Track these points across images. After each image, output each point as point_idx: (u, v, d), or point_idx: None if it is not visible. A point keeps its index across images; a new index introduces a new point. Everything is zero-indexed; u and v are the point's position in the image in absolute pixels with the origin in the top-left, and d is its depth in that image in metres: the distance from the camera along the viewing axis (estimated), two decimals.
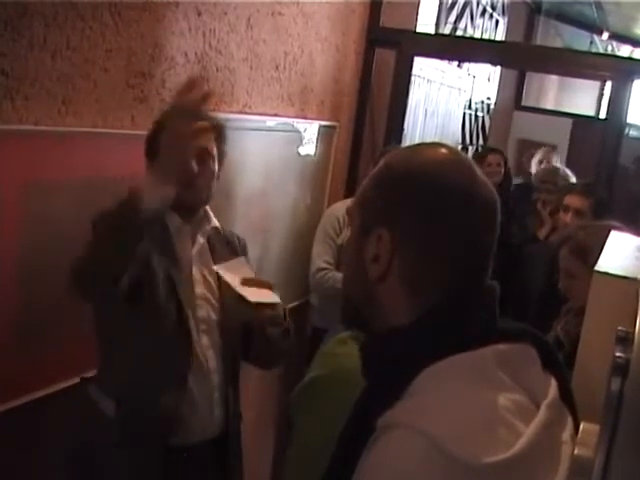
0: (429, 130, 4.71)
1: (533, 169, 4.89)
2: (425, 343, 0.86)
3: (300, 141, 3.08)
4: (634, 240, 1.54)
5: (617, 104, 3.45)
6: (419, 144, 1.02)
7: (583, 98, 8.54)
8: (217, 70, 2.41)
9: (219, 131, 1.88)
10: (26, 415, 1.84)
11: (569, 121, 6.58)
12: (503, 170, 4.30)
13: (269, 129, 2.81)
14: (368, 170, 0.98)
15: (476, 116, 5.92)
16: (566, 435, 0.86)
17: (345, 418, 0.91)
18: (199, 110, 1.50)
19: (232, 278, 1.80)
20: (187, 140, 1.49)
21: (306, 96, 3.08)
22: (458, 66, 5.29)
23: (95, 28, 1.86)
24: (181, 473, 1.85)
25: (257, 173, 2.79)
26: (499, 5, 6.01)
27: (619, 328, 0.82)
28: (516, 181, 4.53)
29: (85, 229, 1.80)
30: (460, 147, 5.44)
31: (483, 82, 6.03)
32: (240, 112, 2.59)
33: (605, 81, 7.02)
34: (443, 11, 4.81)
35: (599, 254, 1.34)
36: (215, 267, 1.81)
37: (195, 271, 1.87)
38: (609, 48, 7.92)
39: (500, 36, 6.15)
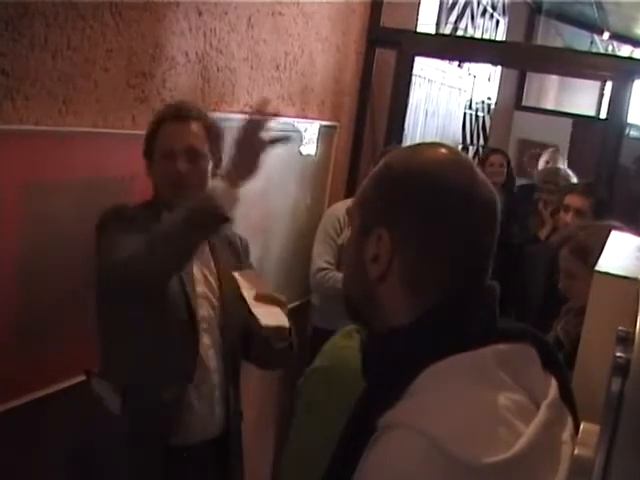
0: (430, 130, 4.70)
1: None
2: (425, 343, 0.86)
3: (300, 141, 3.08)
4: (634, 240, 1.54)
5: (617, 104, 3.45)
6: (419, 144, 1.02)
7: (583, 98, 8.54)
8: (218, 70, 2.41)
9: (212, 130, 1.88)
10: (26, 415, 1.84)
11: (569, 121, 6.58)
12: (506, 171, 4.29)
13: (269, 129, 2.80)
14: (369, 170, 0.98)
15: (477, 116, 5.92)
16: (566, 435, 0.86)
17: (345, 416, 0.91)
18: (267, 126, 1.67)
19: (248, 292, 1.78)
20: (258, 153, 1.66)
21: (307, 96, 3.09)
22: (459, 66, 5.29)
23: (96, 28, 1.86)
24: (181, 473, 1.85)
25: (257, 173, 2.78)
26: (499, 5, 6.01)
27: (619, 328, 0.82)
28: (520, 182, 4.52)
29: (85, 229, 1.81)
30: (461, 147, 5.44)
31: (484, 82, 6.03)
32: (240, 112, 2.58)
33: (605, 81, 7.01)
34: (443, 11, 4.81)
35: (599, 254, 1.34)
36: (235, 273, 1.80)
37: (196, 270, 1.87)
38: (609, 48, 7.92)
39: (501, 36, 6.15)
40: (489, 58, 4.14)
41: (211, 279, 1.90)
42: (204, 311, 1.86)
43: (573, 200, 3.11)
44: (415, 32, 4.00)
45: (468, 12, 5.26)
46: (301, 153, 3.11)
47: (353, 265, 0.95)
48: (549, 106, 7.77)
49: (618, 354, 0.77)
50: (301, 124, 3.05)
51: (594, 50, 7.44)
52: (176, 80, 2.20)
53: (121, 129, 2.01)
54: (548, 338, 1.61)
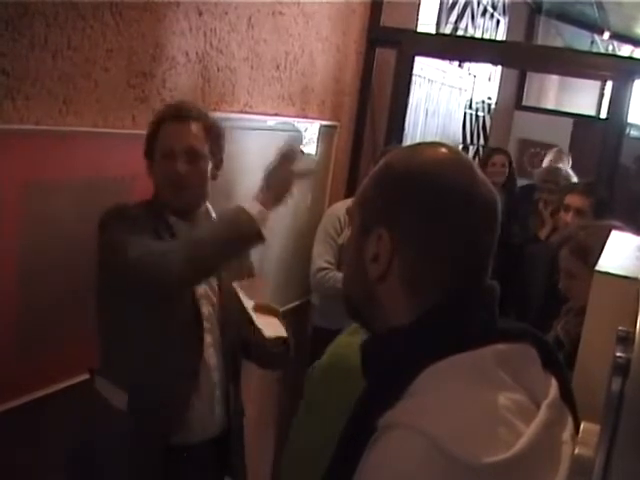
0: (430, 130, 4.70)
1: None
2: (425, 343, 0.86)
3: (301, 141, 3.08)
4: (635, 240, 1.54)
5: (618, 104, 3.45)
6: (419, 143, 1.02)
7: (584, 98, 8.54)
8: (218, 70, 2.41)
9: (212, 131, 1.88)
10: (26, 415, 1.84)
11: (570, 121, 6.57)
12: (507, 170, 4.27)
13: (270, 129, 2.81)
14: (369, 170, 0.98)
15: (477, 116, 5.91)
16: (567, 435, 0.86)
17: (345, 416, 0.91)
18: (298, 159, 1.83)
19: (248, 302, 1.85)
20: (289, 182, 1.80)
21: (307, 96, 3.09)
22: (459, 66, 5.29)
23: (96, 28, 1.86)
24: (181, 473, 1.85)
25: (258, 173, 2.78)
26: (500, 5, 6.01)
27: (620, 328, 0.82)
28: (520, 181, 4.51)
29: (85, 229, 1.81)
30: (461, 147, 5.43)
31: (484, 82, 6.03)
32: (241, 112, 2.59)
33: (606, 81, 7.01)
34: (444, 11, 4.81)
35: (599, 254, 1.34)
36: (235, 284, 1.84)
37: None
38: (610, 48, 7.92)
39: (501, 36, 6.15)
40: (489, 58, 4.14)
41: (210, 278, 1.90)
42: (205, 309, 1.87)
43: (573, 200, 3.11)
44: (415, 32, 4.00)
45: (468, 12, 5.26)
46: (301, 153, 3.11)
47: (353, 265, 0.95)
48: (549, 106, 7.77)
49: (618, 354, 0.77)
50: (301, 124, 3.05)
51: (594, 50, 7.44)
52: (176, 80, 2.20)
53: (121, 129, 2.01)
54: (548, 338, 1.61)
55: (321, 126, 3.22)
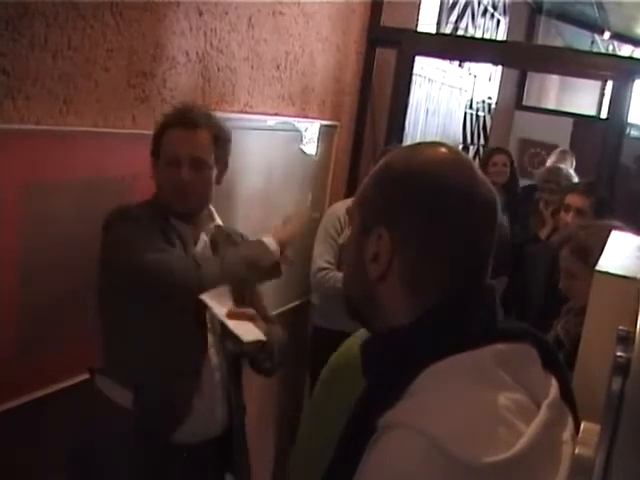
0: (430, 130, 4.70)
1: None
2: (425, 343, 0.86)
3: (301, 140, 3.08)
4: (635, 240, 1.54)
5: (618, 104, 3.45)
6: (419, 143, 1.02)
7: (584, 98, 8.53)
8: (218, 70, 2.41)
9: (219, 138, 1.88)
10: (26, 415, 1.84)
11: (570, 121, 6.57)
12: (509, 170, 4.26)
13: (270, 128, 2.81)
14: (369, 169, 0.98)
15: (477, 116, 5.91)
16: (567, 435, 0.86)
17: (345, 416, 0.91)
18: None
19: (219, 309, 1.79)
20: (294, 238, 1.96)
21: (307, 95, 3.09)
22: (459, 66, 5.29)
23: (96, 28, 1.86)
24: (182, 472, 1.85)
25: (258, 173, 2.79)
26: (500, 5, 6.01)
27: (620, 328, 0.82)
28: (522, 182, 4.49)
29: (86, 229, 1.81)
30: (461, 147, 5.43)
31: (484, 82, 6.03)
32: (241, 111, 2.59)
33: (606, 81, 7.01)
34: (444, 11, 4.81)
35: (600, 254, 1.34)
36: (201, 296, 1.78)
37: None
38: (610, 48, 7.92)
39: (501, 36, 6.15)
40: (490, 58, 4.14)
41: None
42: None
43: (574, 200, 3.11)
44: (415, 32, 4.00)
45: (469, 12, 5.26)
46: (302, 153, 3.11)
47: (353, 265, 0.95)
48: (550, 106, 7.77)
49: (618, 353, 0.77)
50: (302, 124, 3.05)
51: (595, 50, 7.43)
52: (177, 80, 2.20)
53: (122, 129, 2.01)
54: (548, 338, 1.61)
55: (321, 126, 3.22)
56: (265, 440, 3.36)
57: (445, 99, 4.97)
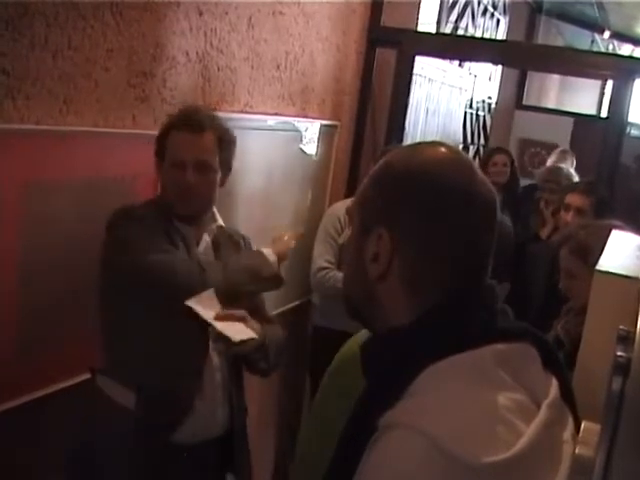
0: (430, 129, 4.70)
1: None
2: (425, 343, 0.86)
3: (301, 140, 3.08)
4: (635, 239, 1.54)
5: (618, 103, 3.45)
6: (419, 143, 1.02)
7: (584, 97, 8.53)
8: (218, 70, 2.41)
9: (224, 141, 1.88)
10: (26, 415, 1.84)
11: (570, 120, 6.57)
12: (509, 170, 4.25)
13: (270, 128, 2.81)
14: (369, 169, 0.98)
15: (477, 115, 5.91)
16: (567, 434, 0.86)
17: (345, 416, 0.91)
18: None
19: (207, 313, 1.77)
20: (288, 255, 1.99)
21: (307, 95, 3.08)
22: (459, 65, 5.28)
23: (96, 28, 1.86)
24: (182, 472, 1.85)
25: (258, 172, 2.79)
26: (500, 4, 6.01)
27: (620, 327, 0.82)
28: (522, 182, 4.49)
29: (86, 229, 1.81)
30: (461, 146, 5.43)
31: (484, 81, 6.02)
32: (241, 111, 2.59)
33: (606, 80, 7.01)
34: (444, 10, 4.81)
35: (600, 254, 1.34)
36: (187, 302, 1.76)
37: None
38: (610, 47, 7.91)
39: (501, 35, 6.14)
40: (490, 57, 4.14)
41: None
42: None
43: (574, 199, 3.11)
44: (416, 31, 4.00)
45: (469, 11, 5.26)
46: (302, 152, 3.11)
47: (353, 264, 0.95)
48: (550, 105, 7.76)
49: (619, 353, 0.77)
50: (302, 123, 3.05)
51: (595, 49, 7.43)
52: (177, 80, 2.20)
53: (122, 129, 2.01)
54: (548, 337, 1.61)
55: (321, 126, 3.22)
56: (265, 440, 3.35)
57: (445, 99, 4.97)
